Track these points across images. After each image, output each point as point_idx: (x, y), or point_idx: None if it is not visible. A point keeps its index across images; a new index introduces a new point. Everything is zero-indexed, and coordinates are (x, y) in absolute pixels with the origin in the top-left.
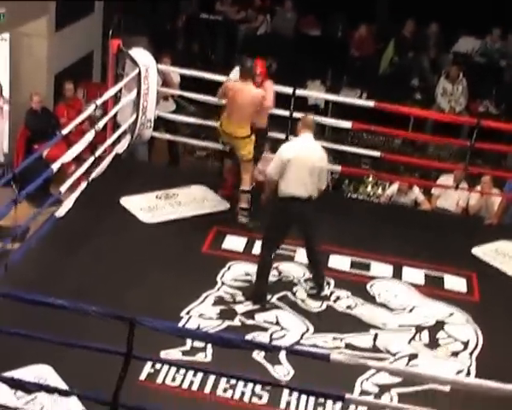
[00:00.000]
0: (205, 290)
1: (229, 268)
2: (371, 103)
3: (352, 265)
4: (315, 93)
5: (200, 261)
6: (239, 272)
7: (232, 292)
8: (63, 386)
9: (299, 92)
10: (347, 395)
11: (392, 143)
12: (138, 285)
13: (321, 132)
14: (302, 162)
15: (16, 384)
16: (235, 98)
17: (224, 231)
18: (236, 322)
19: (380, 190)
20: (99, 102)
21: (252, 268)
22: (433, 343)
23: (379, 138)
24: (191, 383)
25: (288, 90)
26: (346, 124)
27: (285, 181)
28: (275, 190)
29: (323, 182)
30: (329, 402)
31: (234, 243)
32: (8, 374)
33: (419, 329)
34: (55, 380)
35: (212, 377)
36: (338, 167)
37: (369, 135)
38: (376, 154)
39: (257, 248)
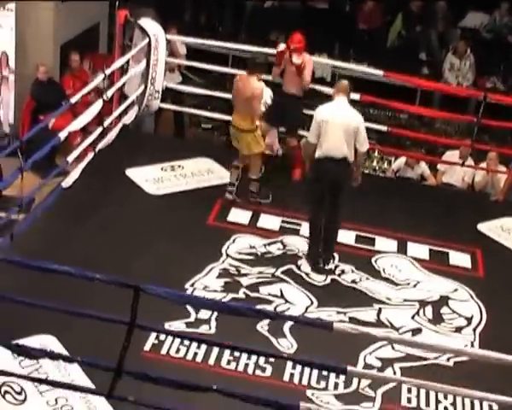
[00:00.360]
0: (209, 263)
1: (234, 241)
2: (380, 73)
3: (357, 239)
4: (323, 61)
5: (206, 233)
6: (244, 244)
7: (237, 265)
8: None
9: None
10: (349, 368)
11: (398, 117)
12: (143, 256)
13: None
14: (336, 123)
15: (21, 351)
16: (239, 91)
17: (229, 204)
18: (241, 294)
19: (386, 165)
20: (107, 72)
21: (257, 241)
22: (437, 319)
23: (385, 113)
24: (195, 354)
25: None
26: (354, 96)
27: (320, 142)
28: (312, 154)
29: (362, 144)
30: (332, 375)
31: (239, 215)
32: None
33: (423, 304)
34: (59, 349)
35: (215, 349)
36: None
37: (376, 109)
38: (383, 128)
39: (262, 221)
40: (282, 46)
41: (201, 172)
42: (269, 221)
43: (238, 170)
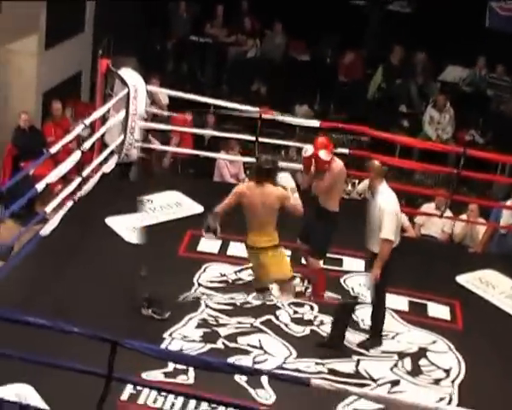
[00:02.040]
0: (188, 313)
1: (204, 270)
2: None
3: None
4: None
5: (177, 264)
6: (215, 273)
7: (215, 315)
8: (44, 406)
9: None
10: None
11: (359, 141)
12: (121, 304)
13: (291, 133)
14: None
15: None
16: (253, 204)
17: (198, 234)
18: (219, 345)
19: (349, 187)
20: (87, 121)
21: (227, 269)
22: (416, 371)
23: (347, 137)
24: (173, 404)
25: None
26: (315, 123)
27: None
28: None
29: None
30: None
31: (209, 245)
32: None
33: (401, 356)
34: (36, 400)
35: (193, 400)
36: None
37: (338, 134)
38: (345, 151)
39: (231, 249)
40: (309, 151)
41: (170, 205)
42: (238, 248)
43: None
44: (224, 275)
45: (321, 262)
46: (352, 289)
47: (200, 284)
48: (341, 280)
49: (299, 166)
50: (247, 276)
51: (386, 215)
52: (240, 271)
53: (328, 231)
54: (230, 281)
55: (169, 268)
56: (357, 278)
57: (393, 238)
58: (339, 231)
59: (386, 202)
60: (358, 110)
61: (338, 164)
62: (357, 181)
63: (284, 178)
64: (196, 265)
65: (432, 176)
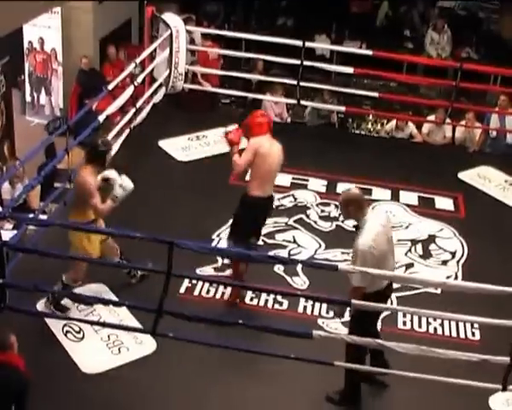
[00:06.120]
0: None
1: None
2: (370, 52)
3: None
4: (322, 45)
5: (228, 192)
6: None
7: None
8: (115, 299)
9: (308, 44)
10: (353, 301)
11: (388, 85)
12: (176, 213)
13: (327, 78)
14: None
15: (77, 298)
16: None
17: None
18: (260, 241)
19: (379, 126)
20: (138, 60)
21: None
22: (426, 254)
23: (377, 82)
24: (223, 294)
25: (298, 42)
26: (349, 70)
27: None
28: None
29: None
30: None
31: None
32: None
33: (414, 242)
34: (109, 296)
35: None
36: (342, 108)
37: (369, 79)
38: (375, 95)
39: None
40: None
41: (222, 140)
42: (281, 178)
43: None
44: None
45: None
46: None
47: None
48: (370, 207)
49: (333, 108)
50: (288, 202)
51: (359, 257)
52: (282, 198)
53: (241, 220)
54: (274, 206)
55: (221, 195)
56: (384, 206)
57: (364, 284)
58: (367, 164)
59: (363, 239)
60: (369, 36)
61: (258, 139)
62: (385, 121)
63: (126, 181)
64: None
65: (434, 89)
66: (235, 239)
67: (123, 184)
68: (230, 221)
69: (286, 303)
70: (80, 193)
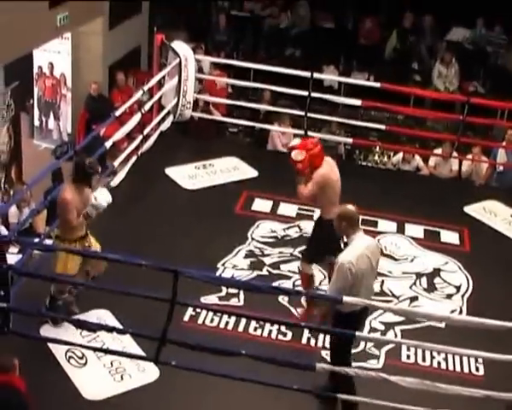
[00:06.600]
0: (238, 245)
1: (258, 226)
2: (377, 84)
3: (363, 222)
4: (330, 76)
5: (234, 221)
6: (266, 229)
7: (261, 246)
8: (119, 326)
9: (316, 75)
10: (357, 333)
11: (395, 118)
12: (181, 241)
13: (335, 109)
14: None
15: (81, 324)
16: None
17: (253, 195)
18: (265, 272)
19: (386, 158)
20: (146, 87)
21: (277, 226)
22: (431, 288)
23: (384, 114)
24: (227, 323)
25: (307, 74)
26: (357, 102)
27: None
28: None
29: None
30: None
31: (262, 205)
32: (74, 317)
33: (419, 275)
34: (113, 322)
35: (244, 319)
36: (350, 140)
37: (376, 111)
38: (382, 127)
39: (281, 209)
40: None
41: (229, 169)
42: (287, 209)
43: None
44: (275, 231)
45: (307, 267)
46: (385, 247)
47: (253, 239)
48: (376, 239)
49: (341, 139)
50: (293, 233)
51: (337, 270)
52: (288, 228)
53: (316, 238)
54: (280, 237)
55: (227, 224)
56: (389, 238)
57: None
58: (373, 196)
59: (345, 254)
60: (377, 68)
61: (323, 170)
62: (392, 153)
63: (101, 195)
64: (250, 221)
65: (441, 122)
66: (311, 258)
67: (96, 202)
68: (306, 243)
69: (290, 334)
70: (59, 210)
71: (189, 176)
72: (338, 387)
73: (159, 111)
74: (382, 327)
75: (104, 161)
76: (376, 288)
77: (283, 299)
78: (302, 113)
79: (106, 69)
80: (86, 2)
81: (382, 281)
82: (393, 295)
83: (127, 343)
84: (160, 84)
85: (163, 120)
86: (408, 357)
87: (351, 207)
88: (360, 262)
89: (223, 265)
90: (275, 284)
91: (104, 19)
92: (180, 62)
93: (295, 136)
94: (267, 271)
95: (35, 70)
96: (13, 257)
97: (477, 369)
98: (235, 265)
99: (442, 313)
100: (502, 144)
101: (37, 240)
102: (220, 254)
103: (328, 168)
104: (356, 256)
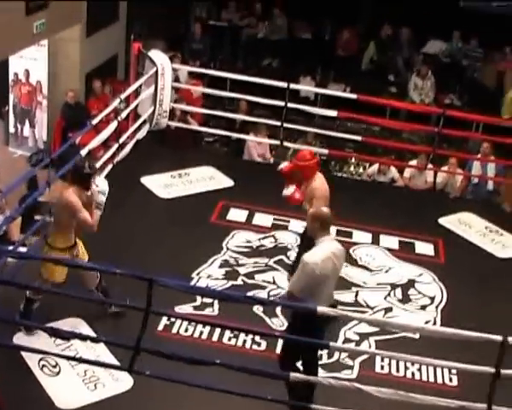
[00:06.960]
0: (212, 255)
1: (233, 236)
2: (354, 96)
3: (338, 233)
4: (306, 87)
5: (210, 230)
6: (241, 239)
7: (236, 256)
8: (92, 334)
9: (293, 86)
10: (331, 343)
11: (371, 129)
12: (156, 250)
13: (311, 120)
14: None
15: (55, 333)
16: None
17: (228, 205)
18: (239, 281)
19: (361, 170)
20: (123, 96)
21: (252, 236)
22: (405, 299)
23: (360, 126)
24: (201, 333)
25: (283, 84)
26: (333, 113)
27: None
28: None
29: None
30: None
31: (237, 214)
32: (48, 325)
33: (393, 286)
34: (87, 330)
35: (218, 329)
36: (325, 150)
37: (352, 123)
38: (358, 138)
39: (257, 219)
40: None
41: (205, 179)
42: (263, 219)
43: None
44: (250, 241)
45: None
46: (360, 258)
47: (228, 248)
48: (351, 250)
49: (316, 150)
50: (268, 243)
51: (301, 269)
52: (263, 238)
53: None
54: (255, 247)
55: (202, 233)
56: (364, 249)
57: (296, 293)
58: (349, 207)
59: (311, 254)
60: (354, 79)
61: (323, 185)
62: (367, 164)
63: (101, 181)
64: (226, 231)
65: (417, 134)
66: None
67: (100, 189)
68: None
69: (264, 344)
70: (63, 214)
71: (164, 185)
72: (295, 392)
73: (135, 120)
74: (357, 337)
75: None
76: (351, 298)
77: (258, 309)
78: (278, 123)
79: (83, 77)
80: (63, 10)
81: (357, 292)
82: (368, 306)
83: (101, 352)
84: (137, 92)
85: (139, 128)
86: (382, 368)
87: (326, 209)
88: (324, 265)
89: (197, 274)
90: (249, 293)
91: (81, 26)
92: (157, 71)
93: (271, 146)
94: (242, 281)
95: (11, 77)
96: None
97: (450, 379)
98: (210, 274)
99: (416, 323)
100: (477, 157)
101: (11, 248)
102: (195, 263)
103: (323, 184)
104: (321, 258)
